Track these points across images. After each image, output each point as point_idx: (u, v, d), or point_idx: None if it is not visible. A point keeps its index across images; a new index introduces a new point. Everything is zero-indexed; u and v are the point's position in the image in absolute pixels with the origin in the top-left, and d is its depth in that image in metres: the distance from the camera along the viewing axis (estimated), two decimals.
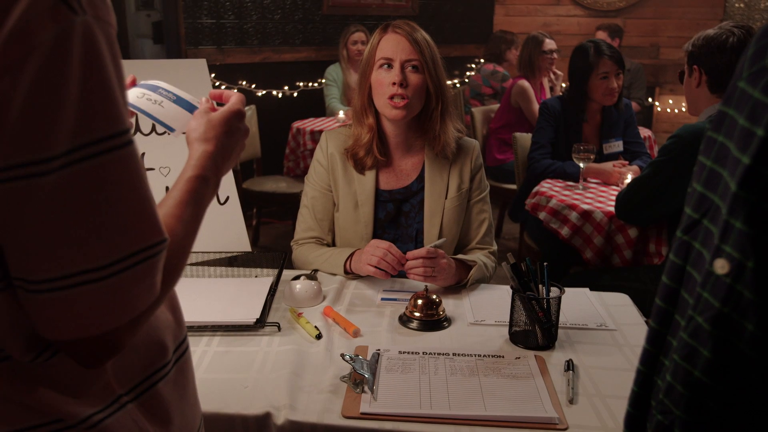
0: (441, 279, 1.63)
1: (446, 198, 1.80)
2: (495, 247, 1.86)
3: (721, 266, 0.58)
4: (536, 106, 4.13)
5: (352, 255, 1.72)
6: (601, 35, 5.15)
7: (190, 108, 1.02)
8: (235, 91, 0.89)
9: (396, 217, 1.82)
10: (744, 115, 0.59)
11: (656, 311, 0.72)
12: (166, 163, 1.80)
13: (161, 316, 0.82)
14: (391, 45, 1.71)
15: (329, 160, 1.83)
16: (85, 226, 0.60)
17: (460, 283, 1.69)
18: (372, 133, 1.78)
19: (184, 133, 0.99)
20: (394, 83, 1.69)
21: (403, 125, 1.78)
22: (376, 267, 1.61)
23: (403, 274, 1.77)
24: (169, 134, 1.11)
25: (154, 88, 1.05)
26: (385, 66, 1.72)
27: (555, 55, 4.34)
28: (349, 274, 1.72)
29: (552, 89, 4.52)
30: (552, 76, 4.49)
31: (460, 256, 1.73)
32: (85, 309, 0.62)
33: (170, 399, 0.80)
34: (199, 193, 0.84)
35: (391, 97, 1.70)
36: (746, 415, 0.61)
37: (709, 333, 0.60)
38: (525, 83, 4.22)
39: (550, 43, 4.29)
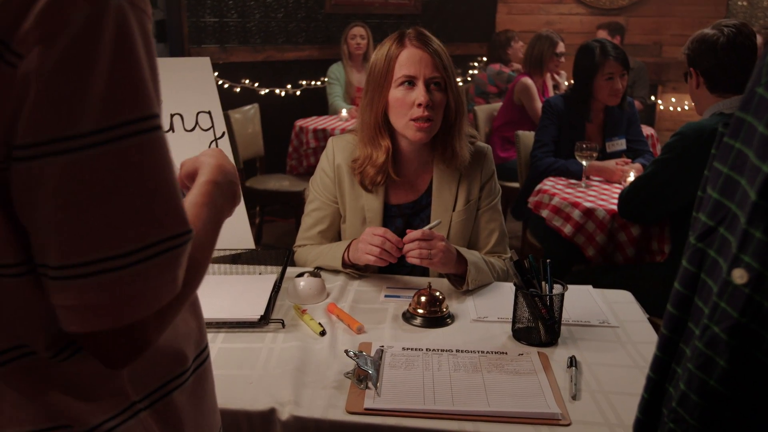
0: (438, 262, 1.57)
1: (453, 211, 1.75)
2: (509, 255, 1.72)
3: (739, 276, 0.57)
4: (539, 104, 4.14)
5: (349, 246, 1.69)
6: (602, 34, 5.16)
7: None
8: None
9: (404, 232, 1.72)
10: (763, 122, 0.58)
11: (668, 318, 0.71)
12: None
13: (182, 324, 0.80)
14: (413, 61, 1.61)
15: (336, 171, 1.77)
16: (109, 211, 0.59)
17: (459, 276, 1.64)
18: (388, 154, 1.69)
19: None
20: (419, 104, 1.59)
21: (421, 144, 1.71)
22: (377, 257, 1.58)
23: (405, 271, 1.77)
24: None
25: None
26: (406, 84, 1.62)
27: (563, 59, 4.36)
28: (348, 266, 1.71)
29: (557, 87, 4.52)
30: (556, 76, 4.50)
31: (461, 249, 1.66)
32: (106, 298, 0.60)
33: (185, 409, 0.78)
34: (213, 196, 0.84)
35: (416, 119, 1.62)
36: (762, 425, 0.60)
37: (727, 343, 0.59)
38: (528, 81, 4.22)
39: (561, 46, 4.33)
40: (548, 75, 4.42)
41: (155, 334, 0.66)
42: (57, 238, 0.58)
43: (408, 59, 1.62)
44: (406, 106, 1.62)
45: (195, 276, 0.73)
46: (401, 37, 1.65)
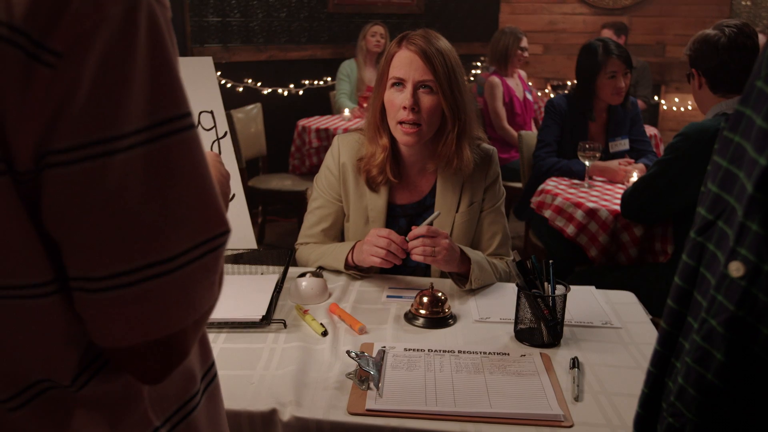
0: (442, 259, 1.57)
1: (457, 212, 1.74)
2: (511, 257, 1.70)
3: (736, 269, 0.57)
4: (500, 104, 4.26)
5: (353, 248, 1.69)
6: (607, 33, 5.16)
7: None
8: None
9: (408, 232, 1.70)
10: (762, 115, 0.57)
11: (668, 312, 0.71)
12: None
13: None
14: (404, 63, 1.61)
15: (341, 170, 1.77)
16: (153, 213, 0.56)
17: (462, 275, 1.64)
18: (386, 153, 1.70)
19: None
20: (404, 107, 1.60)
21: (417, 147, 1.70)
22: (383, 259, 1.58)
23: (407, 271, 1.77)
24: None
25: None
26: (397, 86, 1.63)
27: (527, 54, 4.44)
28: (351, 268, 1.70)
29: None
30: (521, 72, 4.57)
31: (464, 248, 1.65)
32: (152, 307, 0.57)
33: (204, 429, 0.76)
34: None
35: (402, 122, 1.62)
36: (759, 419, 0.60)
37: (723, 336, 0.59)
38: (495, 80, 4.33)
39: (525, 41, 4.40)
40: (517, 72, 4.48)
41: (192, 344, 0.64)
42: (101, 246, 0.55)
43: (400, 61, 1.62)
44: (395, 108, 1.63)
45: (222, 281, 0.71)
46: (403, 38, 1.65)
